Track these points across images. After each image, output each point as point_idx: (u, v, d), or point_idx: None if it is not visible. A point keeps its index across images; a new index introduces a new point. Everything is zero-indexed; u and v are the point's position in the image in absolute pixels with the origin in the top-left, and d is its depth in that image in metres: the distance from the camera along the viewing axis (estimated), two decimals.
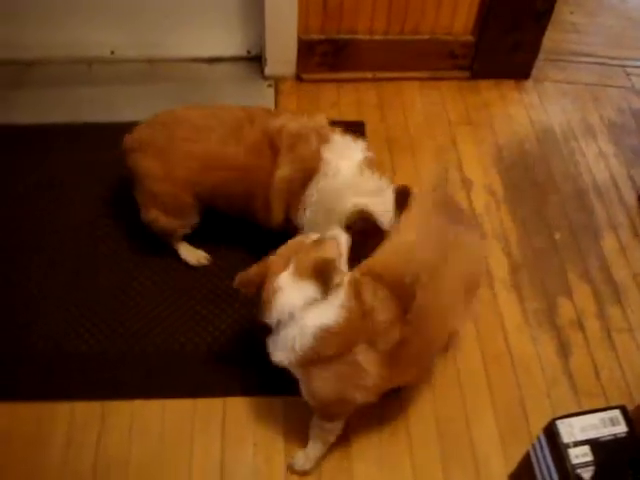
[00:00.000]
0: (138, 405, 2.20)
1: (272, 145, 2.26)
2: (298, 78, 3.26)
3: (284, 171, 2.25)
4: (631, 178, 2.94)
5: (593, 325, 2.45)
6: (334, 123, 2.74)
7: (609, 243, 2.69)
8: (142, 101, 3.13)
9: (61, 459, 2.08)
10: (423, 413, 2.20)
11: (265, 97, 3.18)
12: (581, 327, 2.44)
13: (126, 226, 2.63)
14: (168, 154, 2.28)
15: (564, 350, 2.37)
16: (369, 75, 3.27)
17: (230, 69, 3.32)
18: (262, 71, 3.26)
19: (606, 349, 2.39)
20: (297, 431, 2.12)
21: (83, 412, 2.17)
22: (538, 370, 2.32)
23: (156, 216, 2.38)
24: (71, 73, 3.25)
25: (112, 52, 3.28)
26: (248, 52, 3.33)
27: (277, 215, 2.34)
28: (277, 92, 3.21)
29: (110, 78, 3.25)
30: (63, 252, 2.56)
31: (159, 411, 2.18)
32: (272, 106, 3.12)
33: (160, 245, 2.53)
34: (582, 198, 2.85)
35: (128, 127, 2.68)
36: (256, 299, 1.84)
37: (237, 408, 2.19)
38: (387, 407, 2.17)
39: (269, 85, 3.24)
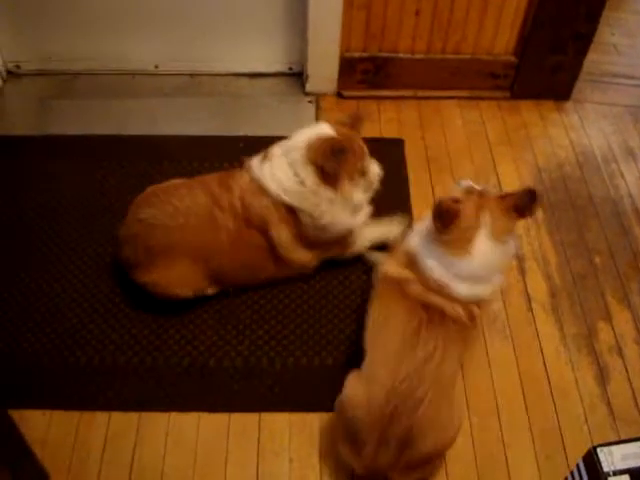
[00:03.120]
0: (174, 417, 2.21)
1: (255, 219, 2.32)
2: (339, 95, 3.28)
3: (281, 233, 2.34)
4: None
5: (633, 351, 2.42)
6: (374, 140, 2.77)
7: None
8: (183, 114, 3.18)
9: (97, 467, 2.10)
10: (460, 436, 2.19)
11: (306, 113, 3.21)
12: (620, 353, 2.41)
13: None
14: (157, 262, 2.33)
15: (602, 376, 2.35)
16: (409, 93, 3.28)
17: (271, 85, 3.35)
18: (303, 87, 3.29)
19: None
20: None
21: (120, 422, 2.20)
22: (576, 396, 2.30)
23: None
24: (115, 85, 3.31)
25: (156, 66, 3.34)
26: (290, 68, 3.36)
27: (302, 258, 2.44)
28: (318, 108, 3.23)
29: (153, 91, 3.29)
30: (101, 262, 2.60)
31: (194, 424, 2.20)
32: (313, 121, 3.13)
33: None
34: (622, 222, 2.83)
35: (169, 140, 2.74)
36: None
37: (272, 423, 2.19)
38: None
39: (310, 101, 3.26)
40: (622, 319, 2.51)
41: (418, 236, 2.02)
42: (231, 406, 2.24)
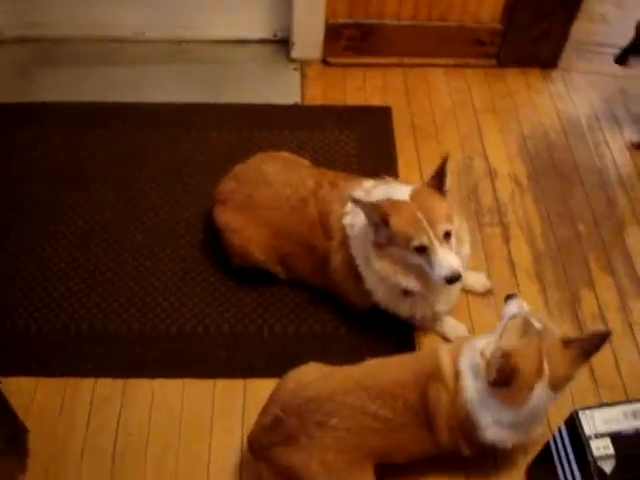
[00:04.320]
0: (159, 384, 2.23)
1: (325, 229, 2.27)
2: (324, 62, 3.25)
3: (336, 260, 2.26)
4: None
5: (615, 318, 2.45)
6: (360, 108, 2.76)
7: (633, 236, 2.68)
8: (168, 82, 3.16)
9: (83, 433, 2.12)
10: None
11: (291, 80, 3.19)
12: (603, 319, 2.44)
13: (151, 206, 2.66)
14: (245, 214, 2.33)
15: None
16: (395, 60, 3.27)
17: (256, 51, 3.33)
18: (288, 54, 3.26)
19: (627, 342, 2.38)
20: None
21: (105, 389, 2.21)
22: None
23: (239, 263, 2.42)
24: (100, 52, 3.27)
25: (141, 33, 3.30)
26: (275, 35, 3.33)
27: (353, 296, 2.34)
28: (303, 75, 3.21)
29: (138, 58, 3.26)
30: (89, 232, 2.59)
31: (179, 390, 2.21)
32: (298, 89, 3.12)
33: (188, 232, 2.59)
34: (607, 190, 2.84)
35: (154, 107, 2.71)
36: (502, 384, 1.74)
37: (258, 390, 2.19)
38: None
39: (295, 68, 3.24)
40: (605, 286, 2.53)
41: (470, 361, 1.86)
42: (217, 373, 2.25)
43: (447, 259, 1.97)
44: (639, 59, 2.80)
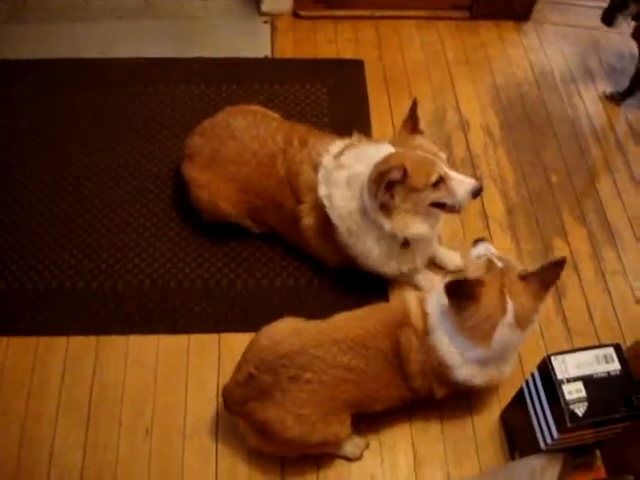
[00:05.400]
0: (133, 340, 2.22)
1: (293, 190, 2.24)
2: (295, 15, 3.20)
3: (307, 222, 2.24)
4: (628, 122, 2.93)
5: (587, 267, 2.46)
6: (332, 61, 2.72)
7: (605, 186, 2.69)
8: (137, 37, 3.09)
9: (57, 390, 2.11)
10: None
11: (261, 34, 3.13)
12: (575, 269, 2.45)
13: (120, 162, 2.63)
14: (212, 169, 2.31)
15: (558, 291, 2.39)
16: (367, 13, 3.22)
17: (225, 5, 3.26)
18: (258, 8, 3.20)
19: (599, 291, 2.41)
20: None
21: (78, 346, 2.20)
22: None
23: (209, 219, 2.40)
24: (67, 9, 3.19)
25: None
26: None
27: (321, 250, 2.32)
28: (273, 29, 3.16)
29: (106, 14, 3.19)
30: (58, 190, 2.55)
31: (154, 346, 2.21)
32: (268, 43, 3.07)
33: (157, 187, 2.56)
34: (579, 141, 2.84)
35: (124, 63, 2.65)
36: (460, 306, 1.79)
37: (232, 343, 2.20)
38: None
39: (265, 22, 3.18)
40: (578, 236, 2.54)
41: (438, 302, 1.88)
42: (191, 327, 2.24)
43: (461, 178, 2.03)
44: (625, 16, 2.75)
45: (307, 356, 1.83)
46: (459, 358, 1.85)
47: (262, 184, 2.27)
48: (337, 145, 2.22)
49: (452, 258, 2.44)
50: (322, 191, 2.16)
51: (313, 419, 1.84)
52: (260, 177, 2.27)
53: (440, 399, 1.96)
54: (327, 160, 2.18)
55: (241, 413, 1.87)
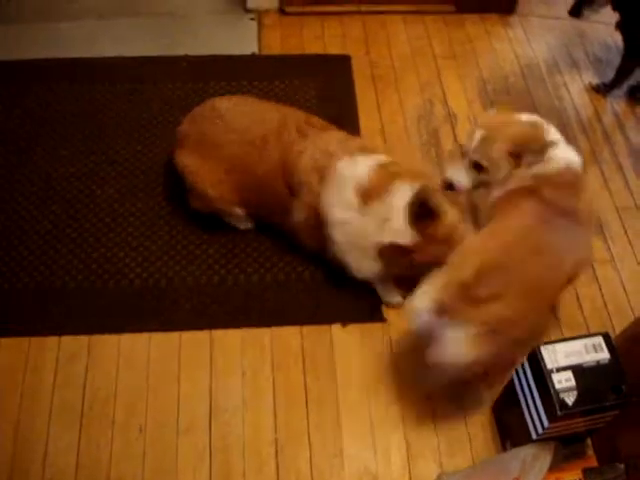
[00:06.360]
0: (125, 338, 2.22)
1: (287, 181, 2.21)
2: (281, 11, 3.21)
3: (299, 216, 2.23)
4: (615, 113, 2.94)
5: None
6: (319, 57, 2.72)
7: (593, 176, 2.70)
8: (123, 36, 3.08)
9: (50, 390, 2.11)
10: (409, 345, 2.23)
11: (248, 31, 3.13)
12: None
13: (109, 161, 2.62)
14: (199, 153, 2.28)
15: None
16: (354, 8, 3.23)
17: (211, 2, 3.26)
18: (244, 4, 3.20)
19: (588, 280, 2.42)
20: (284, 360, 2.18)
21: (70, 346, 2.19)
22: None
23: (198, 206, 2.38)
24: (49, 8, 3.18)
25: None
26: None
27: (307, 241, 2.32)
28: (260, 25, 3.16)
29: (88, 13, 3.17)
30: (47, 190, 2.54)
31: (145, 345, 2.21)
32: (255, 39, 3.07)
33: (147, 185, 2.55)
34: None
35: (108, 62, 2.64)
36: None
37: (224, 340, 2.21)
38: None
39: (251, 18, 3.18)
40: None
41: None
42: (182, 325, 2.24)
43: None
44: (591, 9, 2.80)
45: None
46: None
47: (251, 164, 2.24)
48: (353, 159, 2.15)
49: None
50: (336, 214, 2.13)
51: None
52: (248, 157, 2.23)
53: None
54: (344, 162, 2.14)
55: None
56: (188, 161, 2.29)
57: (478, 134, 2.05)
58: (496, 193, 2.09)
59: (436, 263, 1.89)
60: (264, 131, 2.23)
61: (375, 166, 2.10)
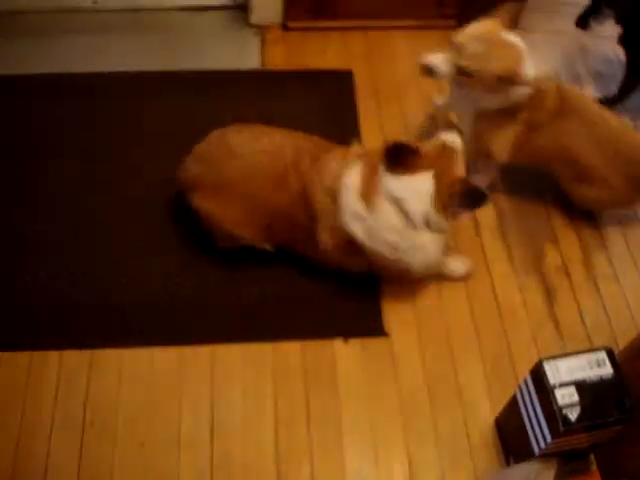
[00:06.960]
0: (126, 354, 2.21)
1: (307, 203, 2.18)
2: (284, 27, 3.21)
3: (325, 237, 2.19)
4: None
5: (579, 271, 2.48)
6: (321, 72, 2.72)
7: None
8: (127, 51, 3.09)
9: (51, 406, 2.10)
10: (411, 360, 2.23)
11: (250, 46, 3.14)
12: (567, 273, 2.46)
13: (111, 178, 2.62)
14: (218, 196, 2.24)
15: (550, 296, 2.40)
16: (356, 24, 3.23)
17: (215, 18, 3.27)
18: (247, 20, 3.21)
19: (591, 295, 2.42)
20: (285, 375, 2.17)
21: (72, 361, 2.19)
22: (524, 316, 2.35)
23: (225, 245, 2.37)
24: (53, 23, 3.18)
25: (95, 1, 3.22)
26: (234, 1, 3.27)
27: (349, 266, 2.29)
28: (263, 41, 3.16)
29: (92, 28, 3.18)
30: (50, 205, 2.55)
31: (147, 360, 2.20)
32: (257, 55, 3.09)
33: (149, 201, 2.55)
34: None
35: (112, 77, 2.64)
36: None
37: (226, 355, 2.21)
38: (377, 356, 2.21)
39: (254, 34, 3.19)
40: (568, 241, 2.55)
41: None
42: (184, 340, 2.24)
43: None
44: (598, 20, 2.80)
45: None
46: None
47: (272, 200, 2.20)
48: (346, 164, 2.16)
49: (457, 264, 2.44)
50: (352, 226, 2.12)
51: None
52: (269, 193, 2.19)
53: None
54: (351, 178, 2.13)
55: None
56: (208, 205, 2.24)
57: (476, 44, 2.20)
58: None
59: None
60: (282, 165, 2.19)
61: (361, 166, 2.12)
